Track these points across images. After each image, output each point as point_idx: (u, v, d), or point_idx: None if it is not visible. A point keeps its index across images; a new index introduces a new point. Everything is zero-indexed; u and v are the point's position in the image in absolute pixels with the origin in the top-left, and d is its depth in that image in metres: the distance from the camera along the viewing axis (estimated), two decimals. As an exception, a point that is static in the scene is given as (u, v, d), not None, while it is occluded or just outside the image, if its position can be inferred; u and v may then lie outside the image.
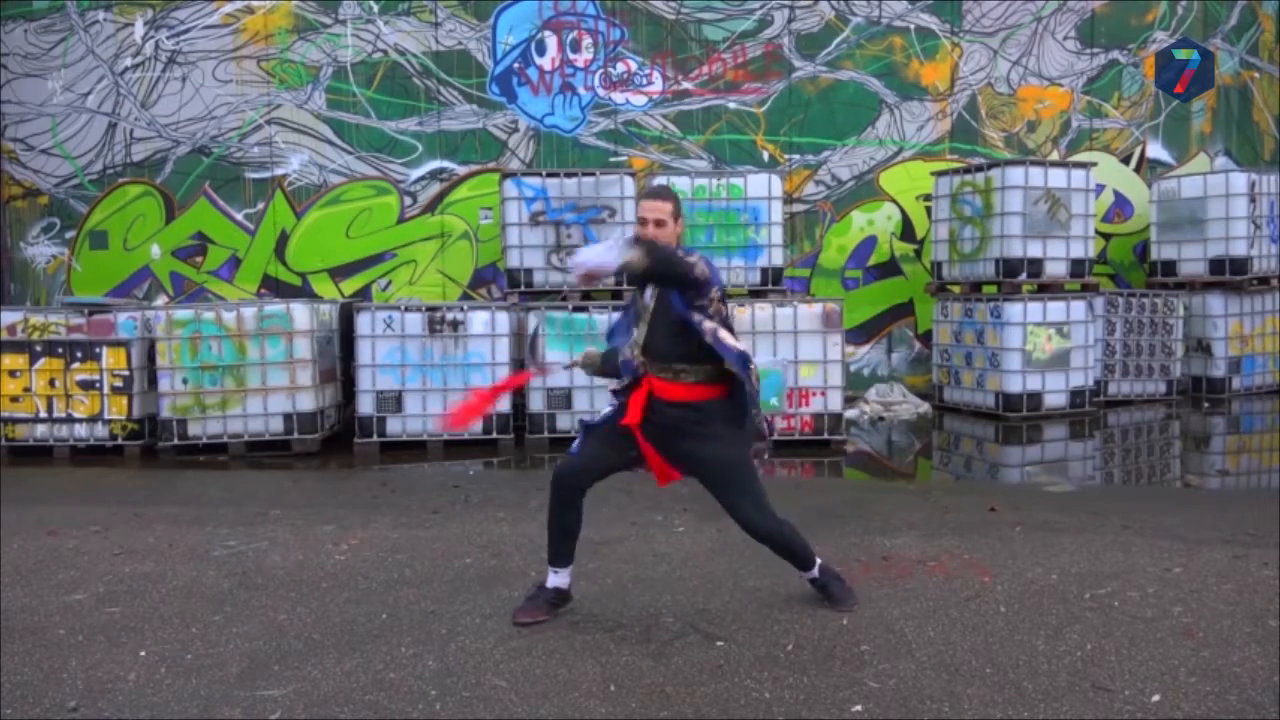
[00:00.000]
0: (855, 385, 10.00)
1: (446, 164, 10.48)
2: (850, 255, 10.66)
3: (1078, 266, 9.22)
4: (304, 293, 10.27)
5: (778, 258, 9.19)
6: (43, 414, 7.92)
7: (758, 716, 3.07)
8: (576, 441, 3.94)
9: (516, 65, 10.46)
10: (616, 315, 3.99)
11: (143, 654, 3.62)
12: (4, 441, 7.90)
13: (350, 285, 10.48)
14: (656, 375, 3.76)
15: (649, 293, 3.84)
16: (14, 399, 7.89)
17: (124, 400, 7.89)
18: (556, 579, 3.90)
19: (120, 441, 7.91)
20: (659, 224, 3.71)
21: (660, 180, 9.16)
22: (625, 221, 8.86)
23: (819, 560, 3.98)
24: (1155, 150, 10.98)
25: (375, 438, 7.93)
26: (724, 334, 3.66)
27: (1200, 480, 7.26)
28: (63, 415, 7.90)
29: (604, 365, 4.04)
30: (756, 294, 8.98)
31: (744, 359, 3.66)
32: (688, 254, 3.69)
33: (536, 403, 8.06)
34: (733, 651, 3.56)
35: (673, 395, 3.73)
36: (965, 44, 10.66)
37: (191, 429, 7.80)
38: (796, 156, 10.54)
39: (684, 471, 3.89)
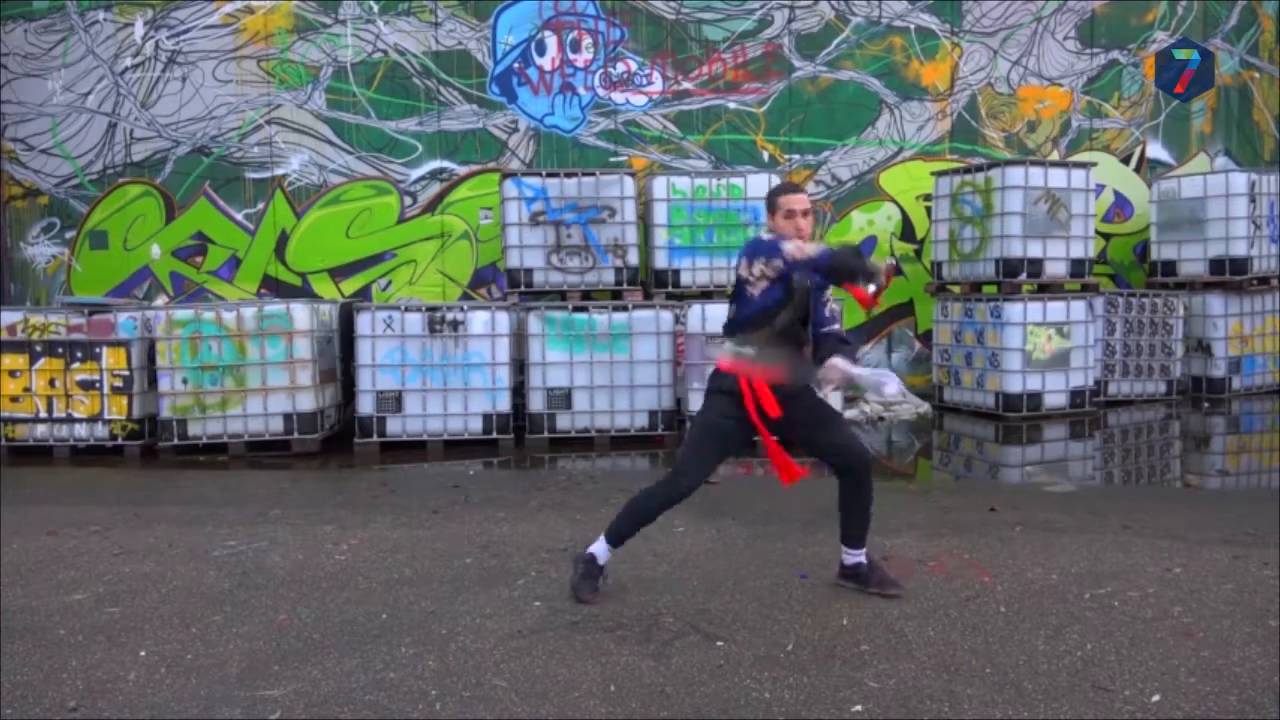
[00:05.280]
0: (855, 385, 9.97)
1: (446, 164, 10.47)
2: (850, 255, 10.64)
3: (1078, 266, 9.21)
4: (304, 293, 10.26)
5: (778, 258, 9.17)
6: (43, 414, 7.92)
7: (758, 716, 3.07)
8: (692, 449, 4.01)
9: (516, 65, 10.45)
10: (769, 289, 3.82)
11: (143, 654, 3.62)
12: (4, 441, 7.90)
13: (350, 285, 10.47)
14: (776, 361, 3.86)
15: (798, 274, 3.83)
16: (14, 399, 7.89)
17: (124, 400, 7.89)
18: (610, 554, 4.08)
19: (120, 441, 7.91)
20: (805, 214, 3.85)
21: (658, 180, 9.16)
22: (625, 221, 8.88)
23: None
24: (1155, 150, 10.98)
25: (375, 438, 7.93)
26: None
27: (1200, 480, 7.26)
28: (63, 415, 7.90)
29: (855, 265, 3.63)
30: (757, 294, 8.96)
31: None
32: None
33: (536, 403, 8.04)
34: (733, 651, 3.56)
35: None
36: (965, 44, 10.66)
37: (191, 429, 7.80)
38: (796, 156, 10.54)
39: (805, 447, 4.02)
